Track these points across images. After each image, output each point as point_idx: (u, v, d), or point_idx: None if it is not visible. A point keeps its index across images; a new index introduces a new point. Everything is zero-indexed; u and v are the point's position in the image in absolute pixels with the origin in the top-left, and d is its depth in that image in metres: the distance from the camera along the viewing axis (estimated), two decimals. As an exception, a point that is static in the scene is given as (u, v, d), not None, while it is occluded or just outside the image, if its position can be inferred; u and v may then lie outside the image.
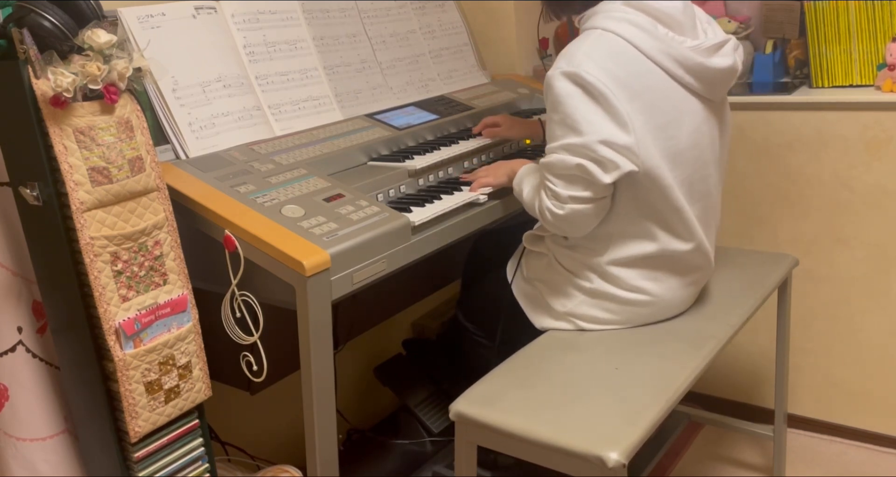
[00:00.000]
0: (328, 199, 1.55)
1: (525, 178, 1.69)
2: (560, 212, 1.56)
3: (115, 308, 1.35)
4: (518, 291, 1.79)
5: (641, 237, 1.61)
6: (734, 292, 1.84)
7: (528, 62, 2.53)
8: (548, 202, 1.57)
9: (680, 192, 1.58)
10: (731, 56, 1.63)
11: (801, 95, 2.20)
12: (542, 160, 1.57)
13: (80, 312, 1.36)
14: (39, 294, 1.47)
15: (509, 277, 1.81)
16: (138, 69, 1.37)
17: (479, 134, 2.00)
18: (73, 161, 1.29)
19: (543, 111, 2.23)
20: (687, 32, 1.57)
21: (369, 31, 2.10)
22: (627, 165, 1.50)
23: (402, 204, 1.64)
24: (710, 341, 1.64)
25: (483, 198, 1.72)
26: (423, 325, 2.55)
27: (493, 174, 1.77)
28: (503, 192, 1.79)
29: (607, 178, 1.50)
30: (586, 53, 1.50)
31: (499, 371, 1.58)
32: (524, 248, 1.80)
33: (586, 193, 1.53)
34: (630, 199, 1.58)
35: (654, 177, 1.54)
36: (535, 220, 1.82)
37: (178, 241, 1.45)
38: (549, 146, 1.56)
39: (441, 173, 1.83)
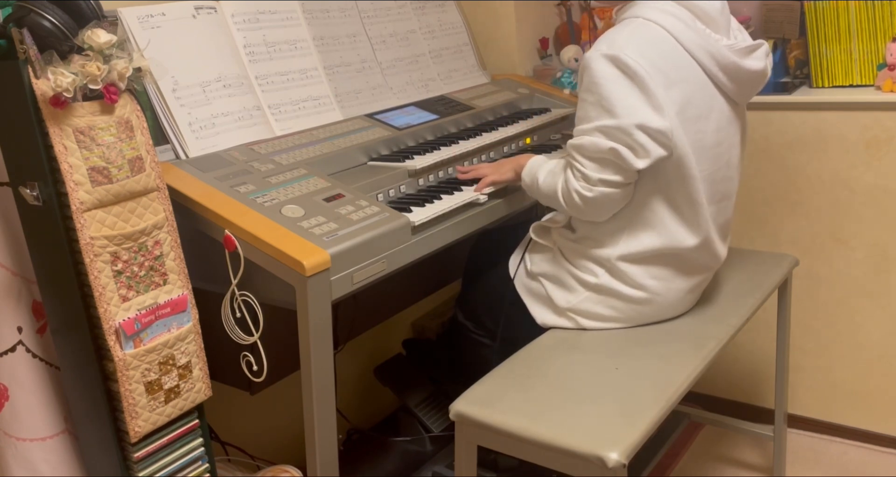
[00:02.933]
0: (328, 199, 1.55)
1: (540, 167, 1.68)
2: (589, 194, 1.56)
3: (115, 308, 1.35)
4: (521, 285, 1.78)
5: (652, 230, 1.61)
6: (734, 292, 1.84)
7: (528, 62, 2.53)
8: (576, 184, 1.57)
9: (702, 186, 1.59)
10: (762, 60, 1.65)
11: (801, 95, 2.20)
12: (572, 142, 1.57)
13: (80, 312, 1.36)
14: (39, 294, 1.47)
15: (511, 272, 1.81)
16: (138, 69, 1.37)
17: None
18: (72, 161, 1.29)
19: (543, 111, 2.23)
20: (722, 32, 1.60)
21: (369, 31, 2.10)
22: (659, 151, 1.51)
23: (402, 204, 1.64)
24: (711, 342, 1.64)
25: (483, 198, 1.72)
26: (423, 325, 2.54)
27: (498, 171, 1.76)
28: (503, 193, 1.79)
29: (640, 164, 1.51)
30: (627, 39, 1.51)
31: (499, 371, 1.58)
32: (529, 240, 1.79)
33: (617, 178, 1.53)
34: (651, 188, 1.58)
35: (682, 165, 1.55)
36: (533, 220, 1.83)
37: (178, 241, 1.45)
38: (580, 127, 1.55)
39: (441, 173, 1.83)
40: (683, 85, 1.53)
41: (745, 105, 1.70)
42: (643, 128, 1.49)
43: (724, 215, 1.69)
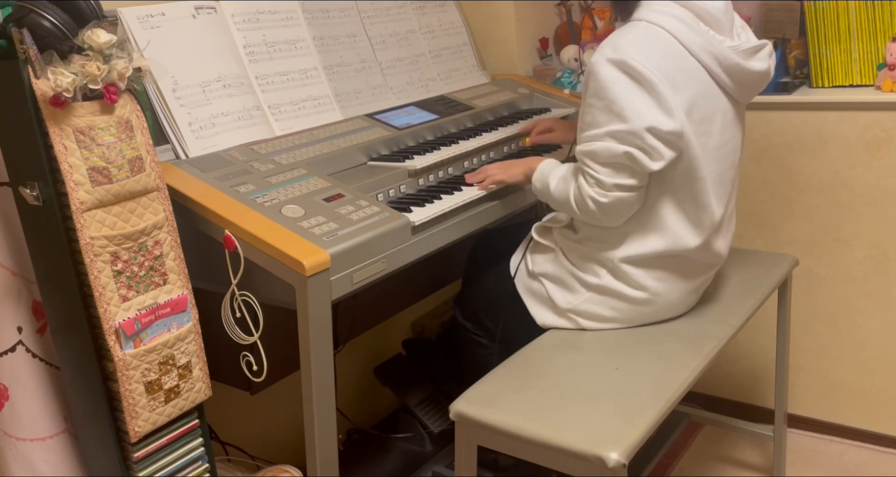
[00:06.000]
0: (328, 199, 1.55)
1: (551, 172, 1.68)
2: (604, 200, 1.55)
3: (115, 308, 1.35)
4: (521, 285, 1.78)
5: (657, 232, 1.61)
6: (734, 292, 1.84)
7: (528, 62, 2.53)
8: (590, 190, 1.56)
9: (710, 188, 1.59)
10: (766, 61, 1.64)
11: (801, 95, 2.20)
12: (583, 148, 1.56)
13: (80, 312, 1.36)
14: (39, 294, 1.47)
15: (512, 271, 1.80)
16: (138, 69, 1.37)
17: (518, 140, 2.05)
18: (72, 161, 1.29)
19: (544, 111, 2.23)
20: (725, 33, 1.59)
21: (369, 31, 2.10)
22: (671, 153, 1.51)
23: (402, 204, 1.64)
24: (711, 341, 1.64)
25: (483, 192, 1.71)
26: (423, 325, 2.54)
27: (507, 172, 1.75)
28: (503, 193, 1.79)
29: (655, 166, 1.51)
30: (632, 43, 1.50)
31: (499, 371, 1.58)
32: (531, 240, 1.79)
33: (632, 181, 1.53)
34: (660, 189, 1.58)
35: (692, 168, 1.55)
36: (533, 220, 1.83)
37: (178, 241, 1.45)
38: (589, 133, 1.54)
39: (441, 173, 1.83)
40: (688, 87, 1.52)
41: (745, 105, 1.71)
42: (654, 131, 1.48)
43: (727, 215, 1.69)
